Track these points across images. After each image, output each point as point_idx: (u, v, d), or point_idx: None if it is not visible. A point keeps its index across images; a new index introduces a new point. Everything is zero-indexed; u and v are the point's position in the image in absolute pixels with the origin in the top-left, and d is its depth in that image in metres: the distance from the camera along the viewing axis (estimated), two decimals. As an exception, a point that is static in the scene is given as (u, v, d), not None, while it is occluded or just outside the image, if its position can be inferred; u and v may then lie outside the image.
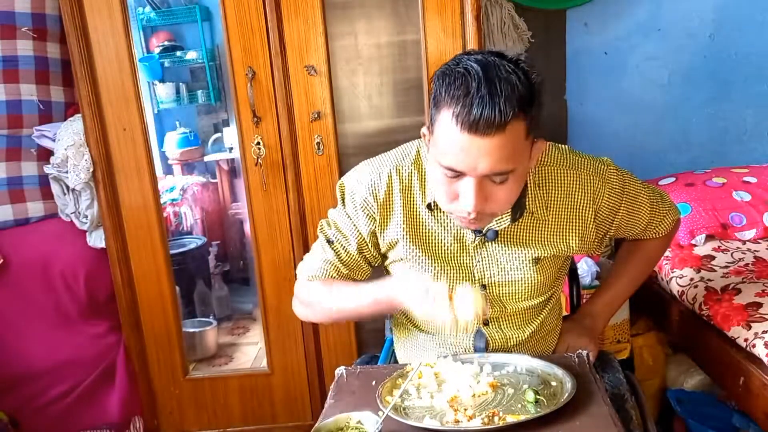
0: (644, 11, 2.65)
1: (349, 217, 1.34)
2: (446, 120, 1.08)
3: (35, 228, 2.18)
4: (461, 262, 1.31)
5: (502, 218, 1.26)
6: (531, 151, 1.16)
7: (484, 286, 1.32)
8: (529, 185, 1.26)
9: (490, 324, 1.35)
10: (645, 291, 1.71)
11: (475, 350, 1.35)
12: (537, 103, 1.10)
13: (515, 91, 1.05)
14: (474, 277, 1.31)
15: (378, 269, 1.41)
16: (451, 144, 1.08)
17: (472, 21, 1.88)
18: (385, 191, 1.30)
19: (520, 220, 1.27)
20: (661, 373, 2.15)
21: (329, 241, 1.36)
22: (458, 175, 1.11)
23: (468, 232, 1.29)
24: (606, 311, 1.53)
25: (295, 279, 1.44)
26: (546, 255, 1.30)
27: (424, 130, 1.21)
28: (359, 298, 1.28)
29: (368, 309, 1.28)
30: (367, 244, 1.34)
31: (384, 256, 1.37)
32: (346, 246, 1.35)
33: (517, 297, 1.33)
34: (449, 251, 1.30)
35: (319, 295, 1.36)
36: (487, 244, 1.29)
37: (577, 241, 1.31)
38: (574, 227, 1.31)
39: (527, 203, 1.26)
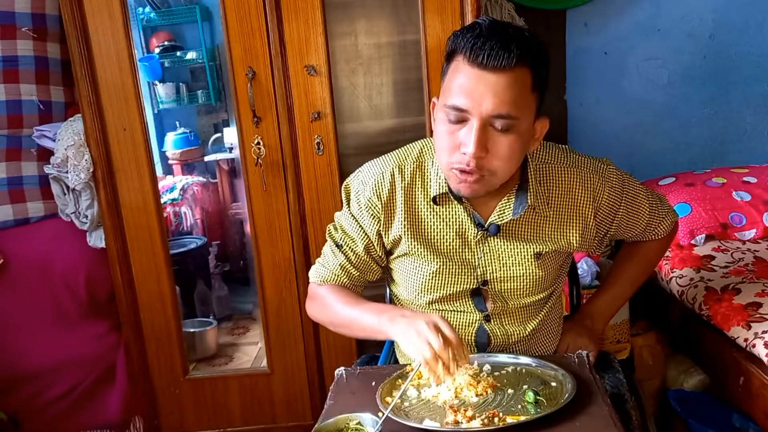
0: (644, 11, 2.65)
1: (354, 218, 1.35)
2: (458, 63, 1.15)
3: (35, 228, 2.18)
4: (463, 257, 1.32)
5: (504, 212, 1.28)
6: (536, 121, 1.19)
7: (485, 282, 1.33)
8: (530, 180, 1.28)
9: (491, 320, 1.36)
10: (645, 291, 1.71)
11: (477, 346, 1.36)
12: (544, 63, 1.16)
13: (524, 38, 1.13)
14: (476, 272, 1.32)
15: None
16: (460, 82, 1.14)
17: (471, 21, 1.87)
18: (388, 190, 1.32)
19: (522, 215, 1.28)
20: (661, 373, 2.15)
21: (338, 245, 1.38)
22: (462, 120, 1.15)
23: (470, 227, 1.30)
24: (606, 312, 1.54)
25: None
26: (547, 250, 1.32)
27: (435, 99, 1.25)
28: (358, 324, 1.29)
29: (364, 335, 1.31)
30: (373, 245, 1.36)
31: (389, 253, 1.38)
32: (354, 248, 1.36)
33: (518, 292, 1.34)
34: (451, 247, 1.31)
35: (326, 301, 1.38)
36: (489, 239, 1.31)
37: (577, 238, 1.33)
38: (574, 224, 1.32)
39: (529, 198, 1.27)
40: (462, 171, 1.17)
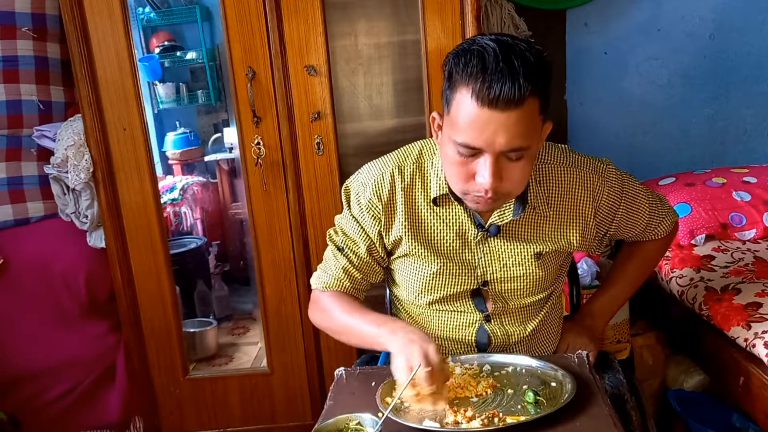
0: (644, 11, 2.65)
1: (355, 219, 1.35)
2: (464, 97, 1.10)
3: (35, 228, 2.18)
4: (463, 258, 1.32)
5: (504, 213, 1.28)
6: (542, 130, 1.19)
7: (486, 282, 1.33)
8: (530, 181, 1.28)
9: (492, 320, 1.36)
10: (645, 291, 1.72)
11: (477, 346, 1.37)
12: (549, 84, 1.13)
13: (531, 67, 1.08)
14: (476, 272, 1.32)
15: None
16: (469, 120, 1.10)
17: (471, 21, 1.88)
18: (388, 190, 1.32)
19: (522, 215, 1.28)
20: (661, 373, 2.15)
21: (339, 249, 1.37)
22: (474, 153, 1.13)
23: (470, 227, 1.30)
24: (606, 311, 1.55)
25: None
26: (547, 250, 1.32)
27: (434, 114, 1.23)
28: (358, 332, 1.30)
29: (362, 344, 1.32)
30: (375, 246, 1.35)
31: (390, 254, 1.38)
32: (356, 250, 1.36)
33: (518, 293, 1.35)
34: (451, 247, 1.32)
35: (328, 308, 1.38)
36: (489, 239, 1.31)
37: (577, 238, 1.33)
38: (574, 223, 1.32)
39: (529, 198, 1.27)
40: (479, 196, 1.18)
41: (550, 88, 1.15)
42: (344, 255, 1.37)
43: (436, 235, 1.32)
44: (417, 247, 1.32)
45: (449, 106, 1.15)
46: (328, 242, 1.41)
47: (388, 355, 1.54)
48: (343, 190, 1.38)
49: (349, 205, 1.37)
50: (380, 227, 1.33)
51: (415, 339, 1.13)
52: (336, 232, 1.39)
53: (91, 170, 2.03)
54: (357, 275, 1.37)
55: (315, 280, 1.42)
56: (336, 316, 1.36)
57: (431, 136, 1.31)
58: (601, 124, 2.75)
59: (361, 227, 1.35)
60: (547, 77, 1.12)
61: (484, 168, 1.13)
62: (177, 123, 3.40)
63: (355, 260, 1.37)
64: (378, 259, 1.38)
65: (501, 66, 1.07)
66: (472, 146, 1.12)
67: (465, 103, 1.10)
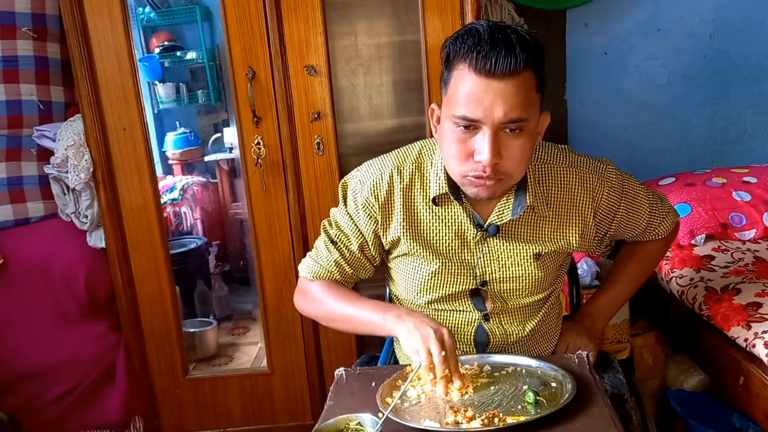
0: (644, 11, 2.65)
1: (350, 216, 1.36)
2: (462, 72, 1.13)
3: (35, 228, 2.18)
4: (462, 258, 1.32)
5: (503, 212, 1.28)
6: (539, 117, 1.20)
7: (485, 282, 1.33)
8: (529, 181, 1.27)
9: (491, 319, 1.36)
10: (645, 291, 1.71)
11: (476, 345, 1.37)
12: (543, 61, 1.15)
13: (526, 41, 1.11)
14: (475, 272, 1.32)
15: (379, 267, 1.43)
16: (467, 93, 1.12)
17: (467, 24, 1.88)
18: (386, 190, 1.32)
19: (521, 216, 1.28)
20: (661, 373, 2.15)
21: (332, 241, 1.38)
22: (473, 128, 1.14)
23: (469, 227, 1.30)
24: (606, 312, 1.54)
25: (297, 277, 1.45)
26: (546, 250, 1.32)
27: (433, 105, 1.24)
28: (359, 320, 1.30)
29: (363, 331, 1.31)
30: (368, 244, 1.36)
31: (388, 252, 1.38)
32: (348, 245, 1.37)
33: (517, 293, 1.35)
34: (450, 247, 1.32)
35: (321, 297, 1.37)
36: (488, 239, 1.31)
37: (577, 238, 1.33)
38: (574, 224, 1.32)
39: (528, 198, 1.27)
40: (478, 177, 1.17)
41: (545, 69, 1.16)
42: (337, 248, 1.37)
43: (435, 235, 1.32)
44: (416, 247, 1.32)
45: (447, 86, 1.17)
46: (322, 232, 1.40)
47: (388, 355, 1.55)
48: (340, 186, 1.39)
49: (345, 201, 1.38)
50: (376, 227, 1.34)
51: (426, 321, 1.16)
52: (330, 225, 1.40)
53: (91, 170, 2.03)
54: (348, 270, 1.38)
55: (305, 268, 1.41)
56: (332, 305, 1.35)
57: (431, 136, 1.31)
58: (601, 124, 2.75)
59: (355, 225, 1.35)
60: (541, 55, 1.14)
61: (482, 143, 1.14)
62: (177, 123, 3.40)
63: (347, 255, 1.37)
64: (369, 257, 1.38)
65: (497, 37, 1.10)
66: (470, 118, 1.13)
67: (463, 76, 1.12)
